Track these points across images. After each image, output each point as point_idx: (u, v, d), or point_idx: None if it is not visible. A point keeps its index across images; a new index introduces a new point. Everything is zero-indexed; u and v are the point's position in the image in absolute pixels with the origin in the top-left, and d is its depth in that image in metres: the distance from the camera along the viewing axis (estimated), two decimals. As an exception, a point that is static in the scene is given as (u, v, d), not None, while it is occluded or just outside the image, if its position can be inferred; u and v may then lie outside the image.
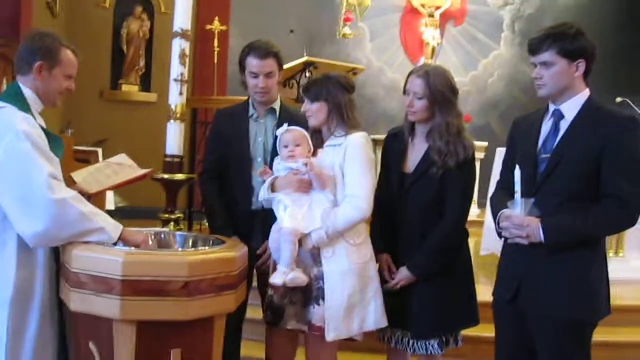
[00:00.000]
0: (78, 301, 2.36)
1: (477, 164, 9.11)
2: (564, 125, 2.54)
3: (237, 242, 2.70)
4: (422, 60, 10.56)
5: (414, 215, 2.91)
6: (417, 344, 2.99)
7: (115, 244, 2.50)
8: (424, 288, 2.92)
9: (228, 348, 2.84)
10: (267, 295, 2.90)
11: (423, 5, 10.51)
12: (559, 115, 2.56)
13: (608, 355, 4.15)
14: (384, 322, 2.84)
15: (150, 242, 2.79)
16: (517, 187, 2.53)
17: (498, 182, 2.85)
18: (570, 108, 2.54)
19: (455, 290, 3.00)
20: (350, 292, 2.74)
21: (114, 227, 2.50)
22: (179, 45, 3.56)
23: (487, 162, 7.74)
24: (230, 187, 3.16)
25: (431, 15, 10.30)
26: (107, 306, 2.30)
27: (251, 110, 3.21)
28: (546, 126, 2.60)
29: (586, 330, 2.54)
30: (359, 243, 2.81)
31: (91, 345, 2.37)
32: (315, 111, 2.87)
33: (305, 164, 2.78)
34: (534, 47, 2.56)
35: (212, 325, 2.49)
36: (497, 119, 11.32)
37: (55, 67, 2.57)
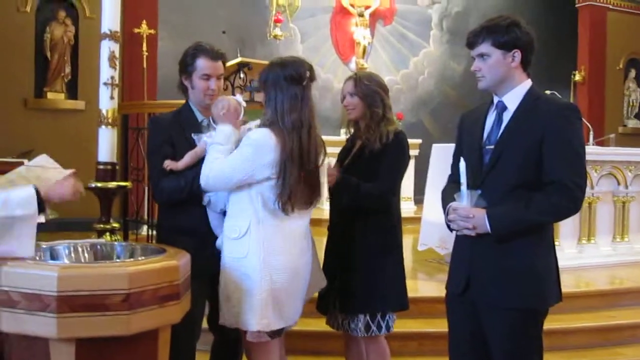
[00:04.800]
0: (10, 321, 2.20)
1: (412, 162, 9.27)
2: (506, 117, 2.56)
3: (179, 250, 2.60)
4: (353, 60, 10.62)
5: None
6: (347, 324, 3.13)
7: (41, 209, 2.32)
8: (355, 268, 3.09)
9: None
10: None
11: (353, 5, 10.60)
12: (502, 107, 2.58)
13: (551, 343, 4.25)
14: (269, 326, 2.74)
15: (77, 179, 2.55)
16: (463, 179, 2.54)
17: (449, 176, 2.85)
18: (512, 99, 2.56)
19: (385, 274, 3.10)
20: (223, 284, 2.77)
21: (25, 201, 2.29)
22: (107, 48, 3.42)
23: (422, 159, 7.84)
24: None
25: (361, 15, 10.39)
26: (42, 325, 2.16)
27: (199, 116, 3.07)
28: (490, 118, 2.62)
29: (537, 319, 2.55)
30: (234, 238, 2.76)
31: (26, 368, 2.23)
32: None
33: None
34: (471, 41, 2.59)
35: (156, 338, 2.38)
36: (429, 115, 11.53)
37: None
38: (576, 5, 11.18)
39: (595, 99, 10.87)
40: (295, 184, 2.71)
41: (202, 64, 2.98)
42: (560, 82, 10.40)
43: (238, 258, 2.75)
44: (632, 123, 11.35)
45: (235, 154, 2.75)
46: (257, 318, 2.71)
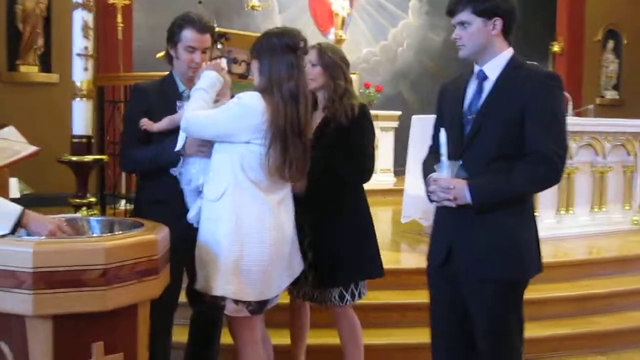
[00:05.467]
0: (-17, 299, 2.16)
1: (391, 134, 9.22)
2: (487, 86, 2.53)
3: (157, 224, 2.56)
4: (332, 31, 10.52)
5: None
6: (319, 296, 3.14)
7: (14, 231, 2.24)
8: (324, 241, 3.08)
9: (159, 334, 2.79)
10: None
11: (331, -25, 10.46)
12: (482, 76, 2.55)
13: (529, 312, 4.29)
14: (235, 294, 2.70)
15: (64, 229, 2.46)
16: (443, 150, 2.52)
17: (430, 147, 2.82)
18: (493, 68, 2.53)
19: (353, 244, 3.12)
20: (197, 246, 2.76)
21: (5, 216, 2.22)
22: (80, 17, 3.34)
23: (402, 131, 7.81)
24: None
25: (340, -15, 10.27)
26: (18, 302, 2.11)
27: (182, 87, 3.05)
28: (471, 88, 2.59)
29: (518, 290, 2.57)
30: (211, 200, 2.74)
31: (2, 346, 2.19)
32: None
33: None
34: (452, 9, 2.56)
35: (135, 314, 2.34)
36: (408, 88, 11.49)
37: None
38: (555, -25, 11.15)
39: (573, 70, 10.89)
40: (296, 151, 2.70)
41: (188, 35, 2.94)
42: (539, 53, 10.39)
43: (212, 220, 2.72)
44: (610, 94, 11.40)
45: (223, 109, 2.73)
46: (221, 282, 2.68)
